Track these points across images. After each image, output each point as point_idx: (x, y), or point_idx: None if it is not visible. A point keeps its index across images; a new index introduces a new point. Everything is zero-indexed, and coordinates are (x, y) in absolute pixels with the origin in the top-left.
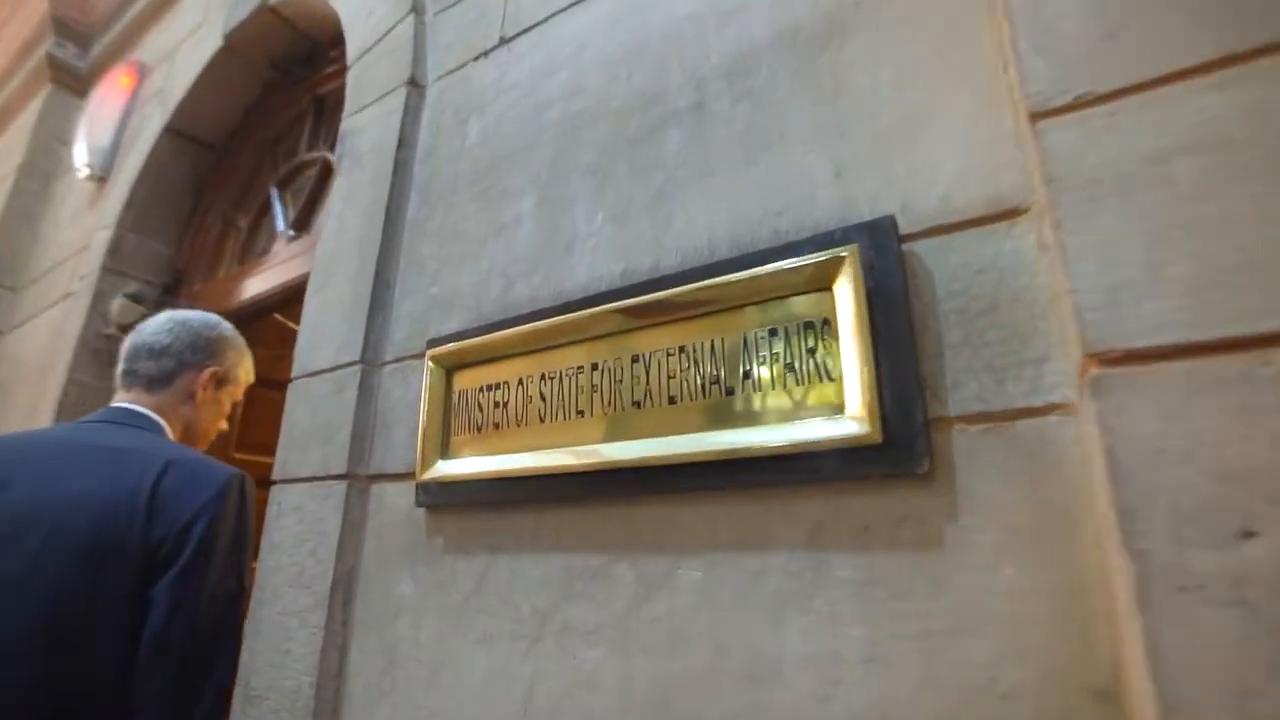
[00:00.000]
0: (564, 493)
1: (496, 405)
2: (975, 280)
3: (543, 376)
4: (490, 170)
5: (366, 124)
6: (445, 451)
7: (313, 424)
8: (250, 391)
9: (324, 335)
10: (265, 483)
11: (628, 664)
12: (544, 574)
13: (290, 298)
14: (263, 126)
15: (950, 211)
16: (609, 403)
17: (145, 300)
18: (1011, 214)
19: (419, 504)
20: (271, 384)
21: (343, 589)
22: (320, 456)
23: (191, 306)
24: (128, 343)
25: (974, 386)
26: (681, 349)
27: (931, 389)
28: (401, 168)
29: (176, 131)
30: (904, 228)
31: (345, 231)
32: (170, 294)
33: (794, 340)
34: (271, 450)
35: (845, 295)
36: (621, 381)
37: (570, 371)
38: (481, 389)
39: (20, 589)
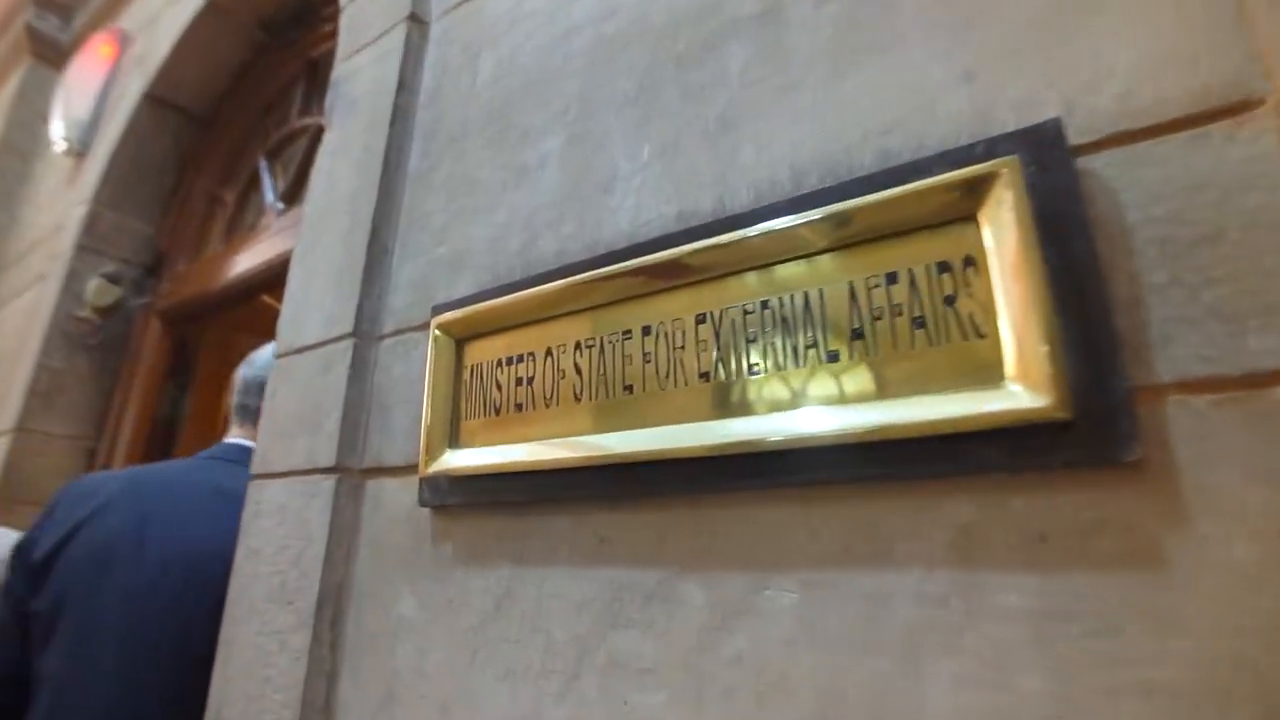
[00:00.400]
0: (607, 490)
1: (519, 382)
2: (1184, 201)
3: (578, 345)
4: (507, 109)
5: (361, 67)
6: (455, 440)
7: (298, 409)
8: None
9: (311, 305)
10: None
11: (699, 716)
12: (584, 593)
13: (280, 276)
14: (251, 94)
15: (1136, 114)
16: (666, 375)
17: (123, 281)
18: (1235, 111)
19: (423, 503)
20: None
21: (331, 605)
22: (306, 447)
23: (176, 292)
24: (239, 376)
25: (1195, 342)
26: (764, 305)
27: (1131, 347)
28: (401, 114)
29: (157, 99)
30: (1069, 138)
31: (335, 187)
32: (151, 274)
33: (922, 287)
34: None
35: (1001, 225)
36: (682, 348)
37: (614, 338)
38: (499, 363)
39: (165, 620)
